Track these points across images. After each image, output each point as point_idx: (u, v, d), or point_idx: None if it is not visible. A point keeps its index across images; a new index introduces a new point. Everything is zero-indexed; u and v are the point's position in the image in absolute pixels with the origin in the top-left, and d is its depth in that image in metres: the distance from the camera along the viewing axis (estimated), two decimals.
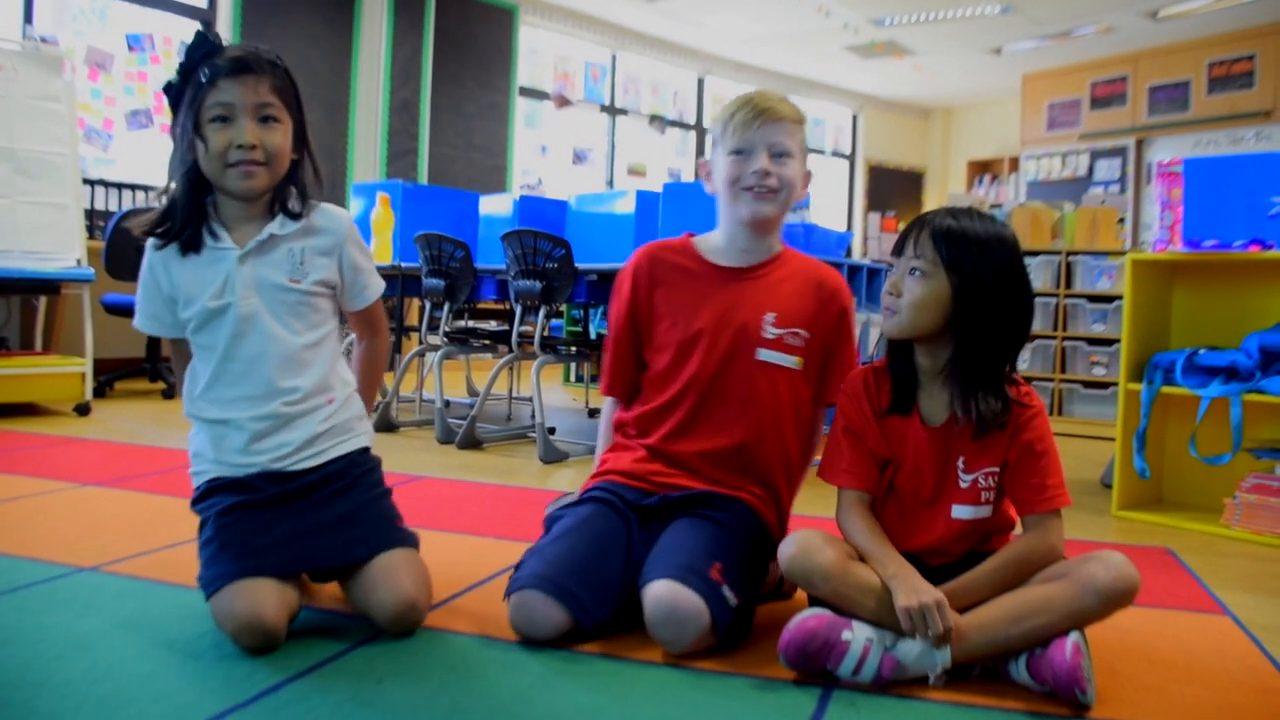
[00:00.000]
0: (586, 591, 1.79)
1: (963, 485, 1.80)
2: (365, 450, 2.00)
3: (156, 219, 1.87)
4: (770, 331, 2.00)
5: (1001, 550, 1.77)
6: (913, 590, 1.66)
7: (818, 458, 2.01)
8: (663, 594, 1.73)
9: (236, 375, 1.86)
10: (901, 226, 1.86)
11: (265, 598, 1.71)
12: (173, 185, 1.88)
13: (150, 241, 1.89)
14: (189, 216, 1.86)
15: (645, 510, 1.97)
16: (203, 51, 1.81)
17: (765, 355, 2.00)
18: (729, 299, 2.02)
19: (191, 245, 1.86)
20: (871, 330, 4.40)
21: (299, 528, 1.83)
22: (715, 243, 2.09)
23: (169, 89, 1.85)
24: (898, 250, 1.79)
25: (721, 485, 1.99)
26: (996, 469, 1.80)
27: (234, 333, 1.85)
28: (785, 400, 2.02)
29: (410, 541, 1.92)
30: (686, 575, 1.74)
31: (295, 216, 1.91)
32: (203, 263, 1.87)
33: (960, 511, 1.80)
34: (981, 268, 1.72)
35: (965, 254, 1.72)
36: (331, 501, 1.88)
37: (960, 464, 1.80)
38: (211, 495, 1.87)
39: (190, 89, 1.81)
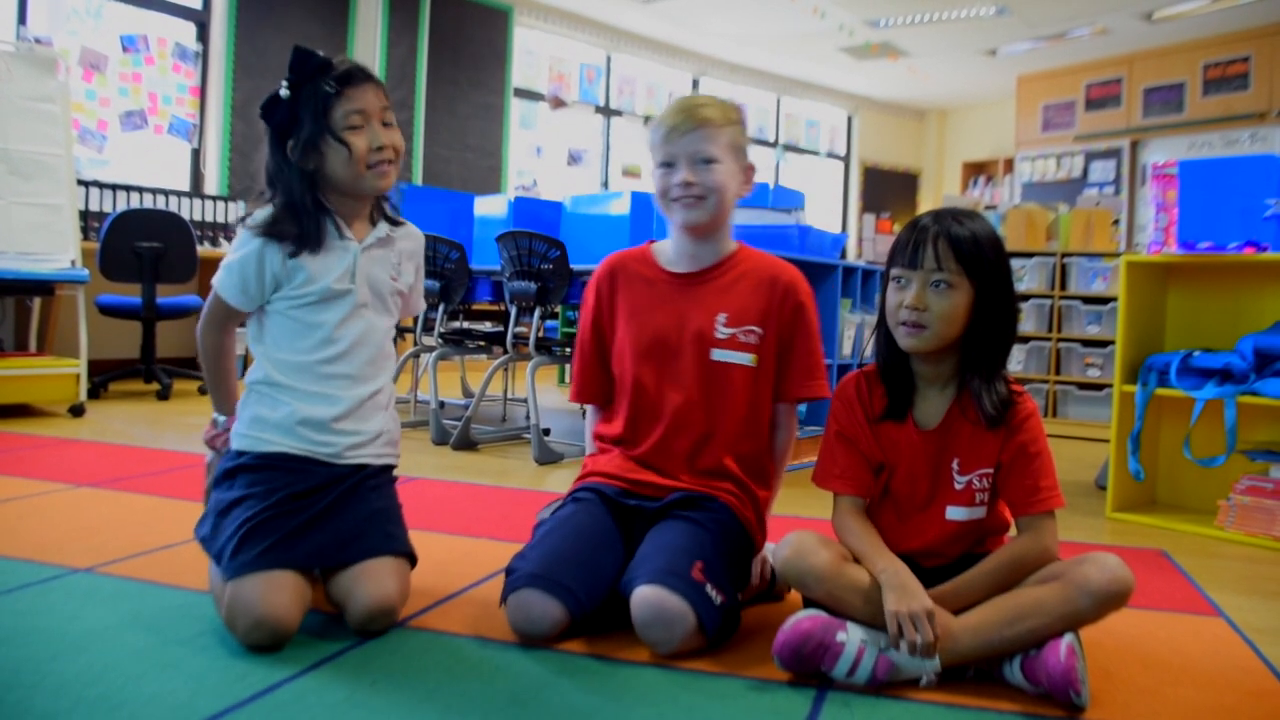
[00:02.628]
0: (580, 585, 1.82)
1: (957, 487, 1.80)
2: (395, 466, 2.12)
3: (272, 218, 1.94)
4: (722, 331, 2.03)
5: (995, 553, 1.77)
6: (903, 596, 1.66)
7: (809, 460, 2.01)
8: (648, 597, 1.75)
9: (339, 356, 1.97)
10: (896, 228, 1.84)
11: (290, 599, 1.75)
12: (294, 197, 1.94)
13: (254, 233, 1.94)
14: (317, 219, 1.96)
15: (628, 511, 2.01)
16: (315, 65, 1.91)
17: (719, 355, 2.03)
18: (682, 303, 2.06)
19: (316, 246, 1.95)
20: (865, 331, 4.40)
21: (333, 527, 1.89)
22: (668, 250, 2.13)
23: (274, 104, 1.93)
24: (909, 262, 1.76)
25: (695, 485, 2.02)
26: (990, 470, 1.80)
27: (346, 316, 1.98)
28: (744, 398, 2.05)
29: (409, 555, 1.97)
30: (669, 578, 1.76)
31: (396, 224, 2.11)
32: (326, 249, 1.97)
33: (954, 513, 1.80)
34: (996, 270, 1.75)
35: (980, 260, 1.73)
36: (366, 496, 1.97)
37: (955, 466, 1.81)
38: (259, 472, 1.91)
39: (311, 100, 1.90)
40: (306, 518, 1.87)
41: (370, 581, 1.83)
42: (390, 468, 2.09)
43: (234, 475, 1.93)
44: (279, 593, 1.74)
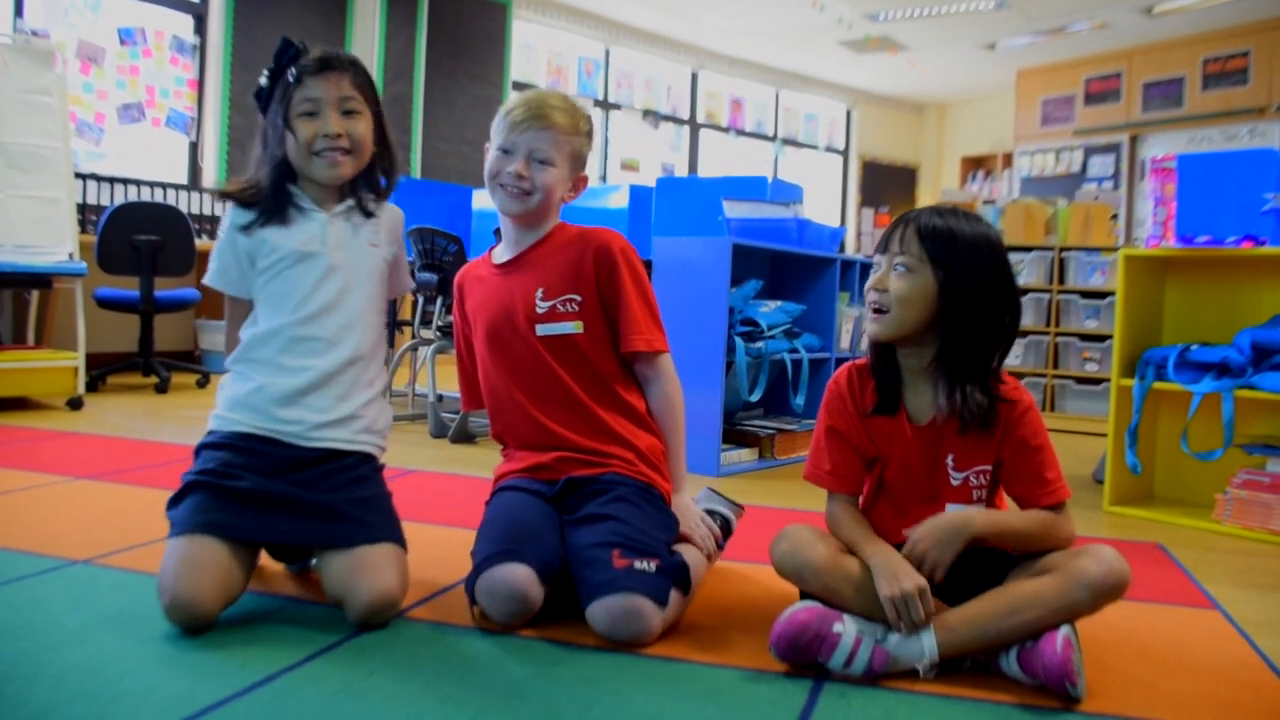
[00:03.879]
0: (536, 548, 1.86)
1: (954, 483, 1.80)
2: (378, 459, 2.08)
3: (241, 187, 2.02)
4: (542, 305, 2.08)
5: (1029, 511, 1.78)
6: (893, 577, 1.66)
7: (804, 453, 2.02)
8: (597, 613, 1.77)
9: (312, 316, 1.98)
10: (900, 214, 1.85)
11: (207, 582, 1.74)
12: (261, 177, 2.00)
13: (233, 206, 2.02)
14: (277, 199, 2.00)
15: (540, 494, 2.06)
16: (289, 55, 1.97)
17: (544, 329, 2.08)
18: (506, 291, 2.12)
19: (280, 220, 1.99)
20: (863, 324, 4.40)
21: (301, 508, 1.88)
22: (500, 244, 2.21)
23: (259, 93, 2.01)
24: (881, 247, 1.79)
25: (586, 453, 2.06)
26: (988, 467, 1.80)
27: (318, 280, 1.99)
28: (582, 365, 2.09)
29: (403, 543, 1.94)
30: (602, 587, 1.78)
31: (368, 214, 2.08)
32: (292, 221, 2.01)
33: (953, 510, 1.80)
34: (967, 264, 1.73)
35: (951, 250, 1.72)
36: (343, 488, 1.93)
37: (950, 461, 1.80)
38: (224, 449, 1.93)
39: (279, 89, 1.97)
40: (264, 493, 1.87)
41: (370, 575, 1.81)
42: (371, 457, 2.04)
43: (199, 453, 1.97)
44: (193, 574, 1.74)
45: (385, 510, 1.98)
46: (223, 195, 2.04)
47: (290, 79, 1.95)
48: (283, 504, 1.87)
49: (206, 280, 2.04)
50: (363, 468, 2.00)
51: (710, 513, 2.22)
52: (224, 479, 1.87)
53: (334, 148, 1.96)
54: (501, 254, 2.18)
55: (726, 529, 2.23)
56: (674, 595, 1.83)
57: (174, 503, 1.90)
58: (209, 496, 1.85)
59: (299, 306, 1.97)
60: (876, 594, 1.69)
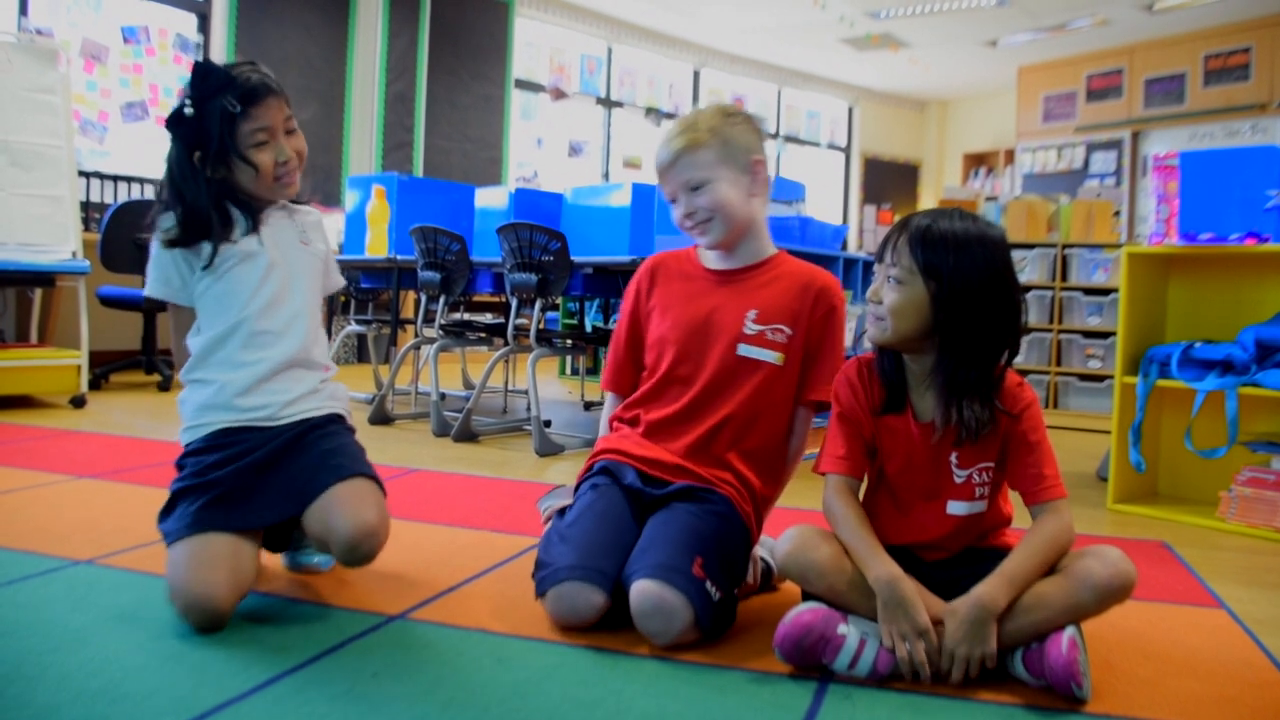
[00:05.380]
0: (614, 569, 1.85)
1: (957, 481, 1.79)
2: (347, 419, 2.14)
3: (179, 231, 1.96)
4: (751, 327, 2.05)
5: (1026, 538, 1.73)
6: (895, 614, 1.65)
7: (812, 451, 2.01)
8: (649, 592, 1.76)
9: (263, 310, 2.00)
10: (897, 219, 1.83)
11: (219, 577, 1.76)
12: (200, 199, 1.95)
13: (162, 243, 1.99)
14: (225, 222, 1.99)
15: (635, 494, 2.02)
16: (217, 83, 1.92)
17: (745, 350, 2.05)
18: (716, 298, 2.09)
19: (224, 240, 1.99)
20: (864, 326, 4.39)
21: (281, 479, 1.92)
22: (710, 251, 2.16)
23: (179, 120, 1.94)
24: (879, 256, 1.78)
25: (700, 473, 2.02)
26: (992, 464, 1.79)
27: (262, 277, 2.01)
28: (763, 395, 2.06)
29: (376, 479, 1.99)
30: (671, 574, 1.77)
31: (295, 202, 2.13)
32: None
33: (955, 507, 1.79)
34: (960, 271, 1.69)
35: (941, 258, 1.70)
36: (314, 444, 1.99)
37: (954, 459, 1.79)
38: (203, 453, 1.95)
39: (216, 118, 1.91)
40: (246, 479, 1.90)
41: (346, 510, 1.85)
42: (341, 416, 2.10)
43: (182, 465, 1.98)
44: (204, 572, 1.76)
45: (354, 453, 2.02)
46: (170, 244, 1.97)
47: (231, 109, 1.91)
48: (263, 488, 1.91)
49: (147, 291, 2.03)
50: (332, 425, 2.05)
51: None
52: (206, 477, 1.90)
53: (289, 170, 2.01)
54: (715, 261, 2.14)
55: (768, 575, 2.17)
56: (709, 629, 1.82)
57: (164, 515, 1.92)
58: (197, 497, 1.88)
59: (248, 303, 1.99)
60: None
